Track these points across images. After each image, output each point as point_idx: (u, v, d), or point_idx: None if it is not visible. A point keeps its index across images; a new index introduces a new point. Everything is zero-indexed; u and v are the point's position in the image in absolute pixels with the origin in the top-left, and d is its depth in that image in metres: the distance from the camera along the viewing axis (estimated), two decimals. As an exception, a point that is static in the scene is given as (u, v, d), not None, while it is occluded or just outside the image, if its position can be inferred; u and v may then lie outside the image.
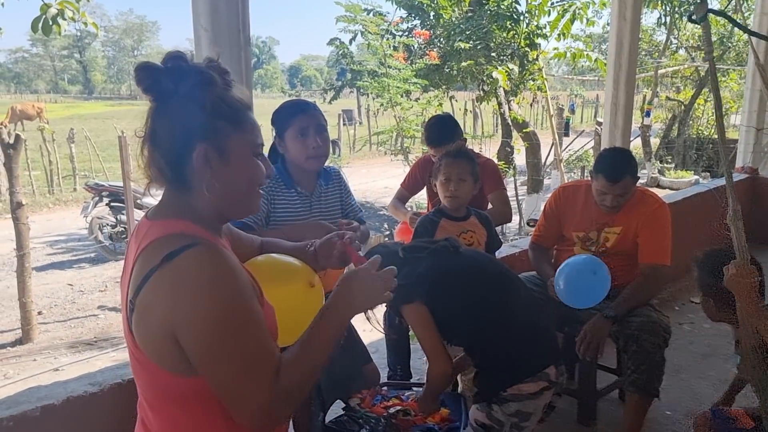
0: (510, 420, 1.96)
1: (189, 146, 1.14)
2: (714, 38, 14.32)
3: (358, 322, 2.22)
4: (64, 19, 4.65)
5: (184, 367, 1.12)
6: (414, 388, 2.50)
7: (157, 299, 1.10)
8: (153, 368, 1.15)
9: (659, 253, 2.90)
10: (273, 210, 2.29)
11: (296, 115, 2.28)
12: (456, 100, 9.60)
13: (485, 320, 1.99)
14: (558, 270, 2.77)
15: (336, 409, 2.40)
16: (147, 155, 1.19)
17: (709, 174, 12.94)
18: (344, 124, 18.63)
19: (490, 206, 3.34)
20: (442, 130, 3.20)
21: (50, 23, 4.54)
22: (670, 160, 14.32)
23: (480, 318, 2.00)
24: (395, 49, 6.77)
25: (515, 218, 7.74)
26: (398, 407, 2.27)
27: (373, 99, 7.58)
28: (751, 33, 3.44)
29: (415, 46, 7.69)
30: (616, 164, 2.82)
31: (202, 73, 1.16)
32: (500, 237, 3.12)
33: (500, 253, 3.67)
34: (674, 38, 14.94)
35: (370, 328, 2.10)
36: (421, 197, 3.84)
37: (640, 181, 12.27)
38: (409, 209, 3.30)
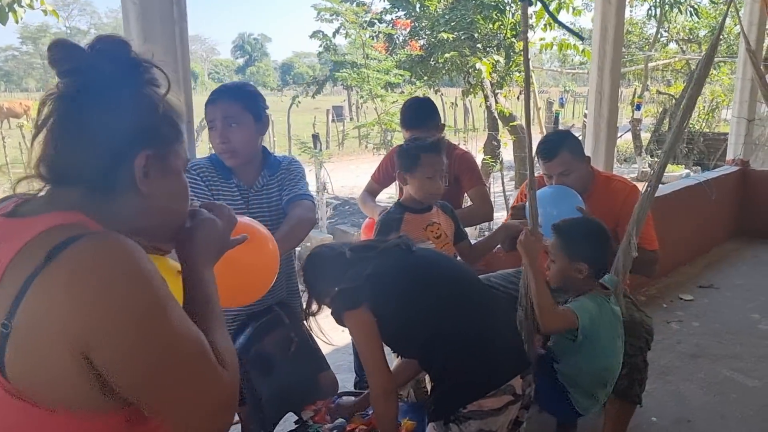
0: None
1: (131, 150, 0.98)
2: (704, 31, 14.20)
3: (327, 328, 2.05)
4: (21, 6, 4.46)
5: (94, 399, 0.89)
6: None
7: (48, 312, 0.85)
8: (36, 413, 0.88)
9: (646, 241, 2.73)
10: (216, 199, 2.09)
11: (207, 105, 2.09)
12: (443, 95, 9.37)
13: (441, 328, 1.78)
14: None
15: (289, 423, 2.21)
16: (50, 147, 0.97)
17: (699, 168, 12.78)
18: (333, 121, 18.42)
19: (469, 203, 3.14)
20: (419, 112, 2.99)
21: (6, 10, 4.35)
22: (660, 154, 14.14)
23: (435, 325, 1.78)
24: (374, 39, 6.56)
25: (504, 214, 7.55)
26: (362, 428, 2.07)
27: (357, 93, 7.38)
28: (563, 25, 3.32)
29: (398, 36, 7.47)
30: (548, 142, 2.73)
31: (153, 69, 1.03)
32: (483, 231, 2.92)
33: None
34: (664, 31, 14.79)
35: (340, 328, 1.92)
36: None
37: (631, 175, 12.17)
38: (379, 205, 3.08)
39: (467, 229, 7.37)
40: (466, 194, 3.13)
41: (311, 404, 2.22)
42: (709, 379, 3.41)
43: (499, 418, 1.73)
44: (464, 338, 1.77)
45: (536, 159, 2.77)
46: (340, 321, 1.87)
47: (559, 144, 2.67)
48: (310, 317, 2.02)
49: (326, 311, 1.97)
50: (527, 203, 2.30)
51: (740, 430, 2.95)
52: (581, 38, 4.79)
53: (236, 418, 2.50)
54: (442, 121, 3.15)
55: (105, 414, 0.91)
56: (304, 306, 2.01)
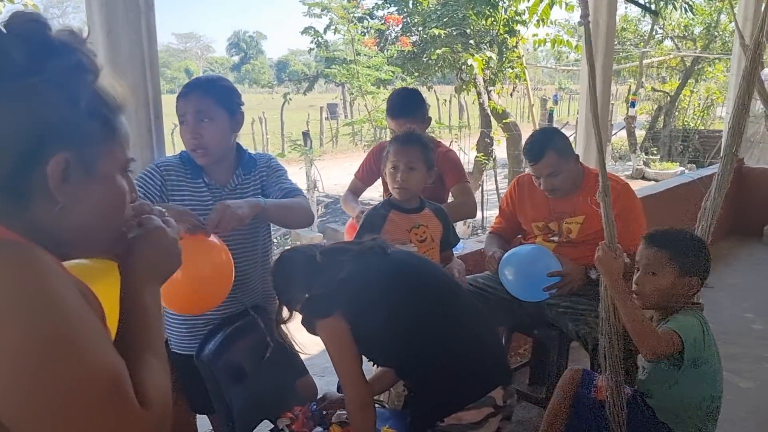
0: None
1: (44, 151, 0.82)
2: (700, 28, 14.15)
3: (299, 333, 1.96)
4: (1, 1, 4.39)
5: None
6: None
7: None
8: None
9: (635, 241, 2.65)
10: (182, 203, 1.98)
11: (179, 99, 1.97)
12: (435, 92, 9.30)
13: (417, 336, 1.69)
14: (507, 257, 2.55)
15: (264, 431, 2.13)
16: None
17: (695, 165, 12.74)
18: (327, 119, 18.32)
19: (451, 200, 3.06)
20: (406, 102, 2.90)
21: (-16, 5, 4.27)
22: (655, 152, 14.12)
23: (411, 333, 1.69)
24: (364, 35, 6.47)
25: (496, 212, 7.49)
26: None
27: (348, 90, 7.30)
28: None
29: (390, 33, 7.39)
30: (534, 143, 2.65)
31: (76, 53, 0.86)
32: (476, 230, 2.84)
33: (465, 250, 3.40)
34: (659, 28, 14.73)
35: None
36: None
37: (626, 173, 12.12)
38: (359, 205, 2.99)
39: (459, 226, 7.28)
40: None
41: (288, 411, 2.14)
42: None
43: (479, 431, 1.64)
44: (442, 347, 1.68)
45: (524, 159, 2.72)
46: (311, 330, 1.78)
47: (545, 145, 2.59)
48: (282, 325, 1.93)
49: (298, 318, 1.88)
50: (602, 214, 1.97)
51: (734, 433, 2.88)
52: (655, 14, 4.54)
53: (210, 426, 2.43)
54: (430, 116, 3.07)
55: None
56: (275, 313, 1.92)
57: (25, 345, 0.73)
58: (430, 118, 3.03)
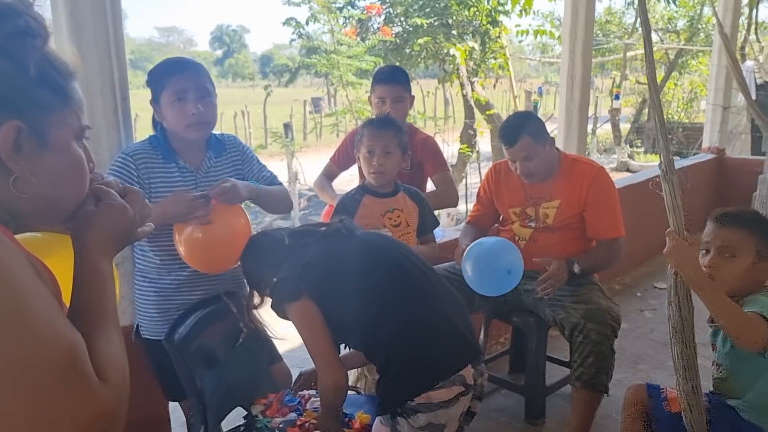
0: None
1: None
2: (683, 20, 14.22)
3: (270, 318, 1.92)
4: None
5: None
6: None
7: None
8: None
9: (612, 226, 2.69)
10: (151, 188, 1.96)
11: (172, 76, 1.94)
12: (419, 84, 9.26)
13: (384, 316, 1.66)
14: (468, 251, 2.49)
15: (237, 418, 2.09)
16: None
17: (678, 158, 12.82)
18: (311, 112, 18.24)
19: (431, 188, 3.03)
20: (398, 70, 2.94)
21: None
22: (639, 145, 14.20)
23: (377, 313, 1.67)
24: (345, 24, 6.41)
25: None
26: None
27: (330, 81, 7.23)
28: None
29: (371, 22, 7.33)
30: (509, 127, 2.64)
31: (23, 17, 0.82)
32: (459, 222, 2.81)
33: (445, 238, 3.38)
34: (644, 21, 14.75)
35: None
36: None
37: (610, 165, 12.16)
38: (339, 193, 2.96)
39: (443, 218, 7.23)
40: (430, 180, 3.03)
41: (262, 398, 2.11)
42: (681, 368, 3.34)
43: (449, 410, 1.62)
44: (410, 327, 1.65)
45: (500, 143, 2.70)
46: (281, 314, 1.75)
47: (520, 129, 2.59)
48: (254, 310, 1.90)
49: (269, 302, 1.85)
50: (665, 197, 1.72)
51: (711, 418, 2.88)
52: None
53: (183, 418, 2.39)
54: (413, 95, 3.05)
55: None
56: (246, 300, 1.89)
57: None
58: (413, 97, 3.02)
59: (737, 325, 1.64)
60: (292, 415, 2.04)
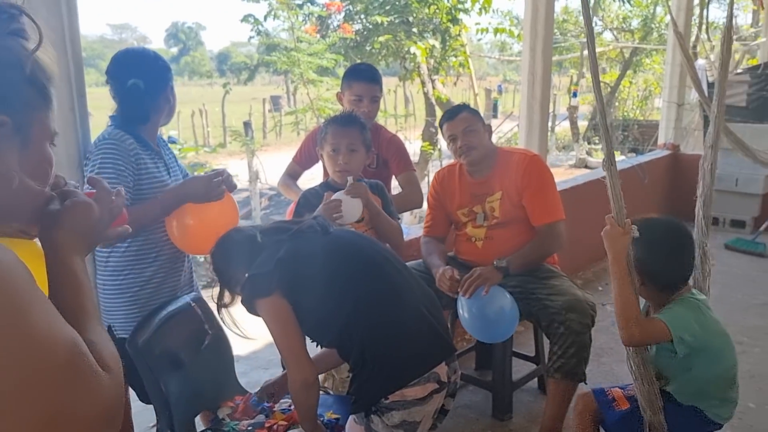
0: None
1: None
2: (637, 20, 14.56)
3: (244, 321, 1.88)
4: None
5: None
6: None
7: None
8: None
9: (550, 210, 2.71)
10: (140, 179, 1.95)
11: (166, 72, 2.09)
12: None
13: (357, 313, 1.64)
14: (470, 303, 2.48)
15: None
16: None
17: (634, 154, 13.12)
18: (270, 111, 18.03)
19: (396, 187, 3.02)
20: (373, 70, 2.92)
21: None
22: (597, 141, 14.48)
23: (351, 311, 1.65)
24: (305, 21, 6.35)
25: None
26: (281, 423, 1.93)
27: (290, 79, 7.15)
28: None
29: (331, 19, 7.27)
30: (450, 108, 2.83)
31: (19, 17, 0.85)
32: (420, 221, 2.80)
33: (410, 236, 3.37)
34: (599, 20, 15.07)
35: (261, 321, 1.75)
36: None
37: (569, 162, 12.33)
38: (303, 189, 2.91)
39: (406, 216, 7.23)
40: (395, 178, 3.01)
41: (229, 401, 2.07)
42: (643, 360, 3.41)
43: (424, 407, 1.61)
44: (384, 324, 1.64)
45: (441, 129, 2.79)
46: (252, 310, 1.72)
47: (461, 107, 2.79)
48: (224, 309, 1.86)
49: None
50: (608, 184, 1.84)
51: (673, 409, 2.95)
52: None
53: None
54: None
55: None
56: (216, 297, 1.85)
57: None
58: (380, 96, 3.00)
59: (622, 315, 1.80)
60: (260, 417, 2.00)
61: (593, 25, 14.73)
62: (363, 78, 2.78)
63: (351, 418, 1.72)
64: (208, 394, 2.03)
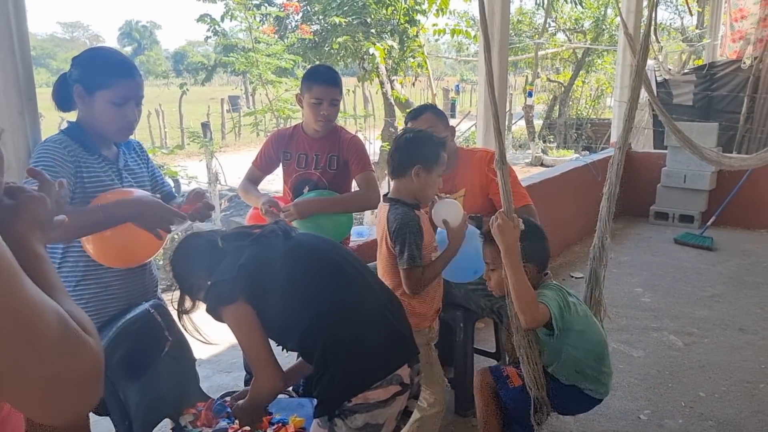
0: None
1: None
2: (589, 21, 14.89)
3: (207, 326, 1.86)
4: None
5: None
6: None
7: None
8: None
9: (519, 198, 2.74)
10: (83, 177, 1.88)
11: (120, 78, 1.90)
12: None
13: (322, 317, 1.65)
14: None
15: (166, 429, 2.03)
16: None
17: (588, 152, 13.42)
18: (228, 111, 17.80)
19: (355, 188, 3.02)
20: (334, 73, 2.86)
21: None
22: (552, 140, 14.77)
23: (317, 314, 1.65)
24: (263, 22, 6.30)
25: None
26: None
27: (249, 80, 7.09)
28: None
29: (289, 20, 7.24)
30: (415, 108, 2.91)
31: None
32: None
33: (372, 237, 3.39)
34: (552, 21, 15.37)
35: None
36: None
37: (525, 160, 12.50)
38: (264, 194, 2.88)
39: (366, 216, 7.22)
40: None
41: (191, 408, 2.05)
42: (598, 353, 3.51)
43: (386, 410, 1.63)
44: (347, 326, 1.65)
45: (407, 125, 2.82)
46: (217, 317, 1.70)
47: (425, 108, 2.85)
48: (185, 315, 1.84)
49: (203, 307, 1.80)
50: (499, 181, 2.05)
51: (627, 399, 3.05)
52: None
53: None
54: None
55: None
56: (176, 304, 1.83)
57: None
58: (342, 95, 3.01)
59: (523, 301, 1.99)
60: (223, 424, 1.99)
61: (547, 27, 15.04)
62: (322, 81, 2.77)
63: (315, 421, 1.72)
64: (169, 402, 2.00)
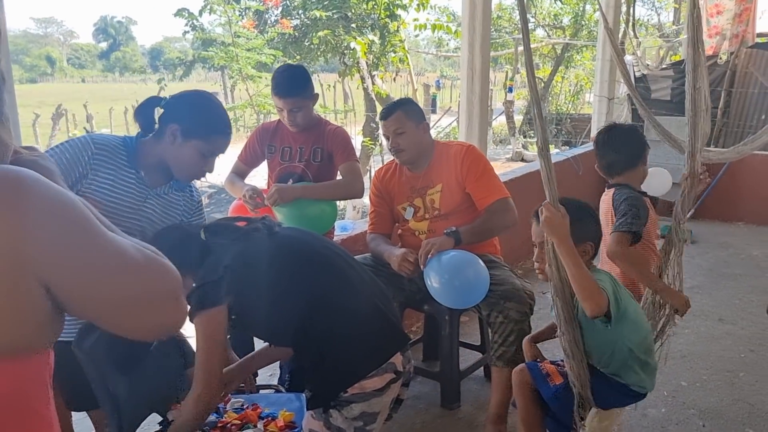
0: (353, 425, 1.63)
1: None
2: (568, 17, 15.00)
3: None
4: None
5: (39, 333, 0.82)
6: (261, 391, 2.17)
7: None
8: None
9: (495, 190, 2.78)
10: (96, 179, 1.84)
11: (219, 135, 1.93)
12: (319, 78, 9.21)
13: (315, 311, 1.64)
14: (437, 267, 2.54)
15: (153, 425, 2.00)
16: None
17: (567, 147, 13.53)
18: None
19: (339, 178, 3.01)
20: (292, 79, 2.77)
21: None
22: (532, 135, 14.85)
23: (310, 309, 1.64)
24: (242, 16, 6.25)
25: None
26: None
27: (228, 75, 7.03)
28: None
29: (269, 14, 7.19)
30: (388, 105, 2.84)
31: None
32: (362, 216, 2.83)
33: (355, 231, 3.39)
34: (531, 17, 15.45)
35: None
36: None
37: (506, 156, 12.55)
38: (248, 184, 2.86)
39: (348, 211, 7.21)
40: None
41: (179, 403, 2.03)
42: (582, 344, 3.53)
43: (382, 398, 1.63)
44: (339, 320, 1.64)
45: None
46: (191, 319, 1.66)
47: (396, 106, 2.80)
48: None
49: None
50: (541, 170, 1.89)
51: (611, 390, 3.07)
52: None
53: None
54: (317, 93, 2.96)
55: (37, 353, 0.84)
56: None
57: (77, 228, 0.83)
58: (317, 95, 2.94)
59: (586, 290, 1.86)
60: (211, 418, 1.97)
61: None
62: (279, 93, 2.74)
63: (308, 413, 1.71)
64: (157, 396, 1.98)
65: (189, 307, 1.68)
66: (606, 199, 2.47)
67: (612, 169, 2.47)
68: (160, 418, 1.97)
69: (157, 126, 1.92)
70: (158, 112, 1.92)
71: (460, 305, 2.65)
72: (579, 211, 2.01)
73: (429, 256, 2.53)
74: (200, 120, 1.91)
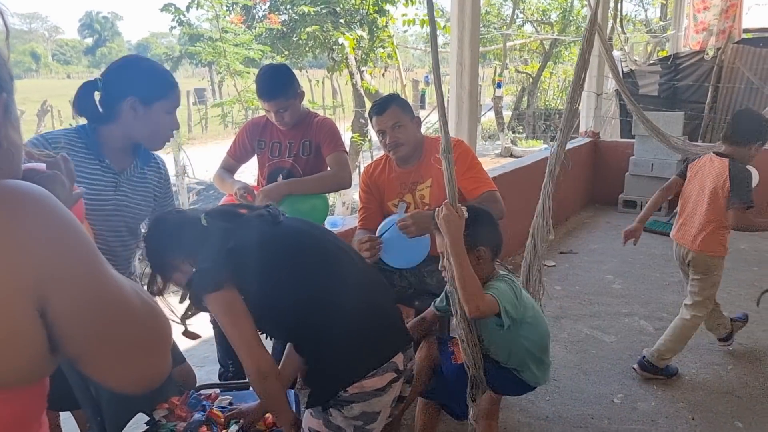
0: (352, 424, 1.60)
1: None
2: (556, 13, 15.03)
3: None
4: None
5: (37, 364, 0.80)
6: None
7: None
8: None
9: (483, 182, 2.76)
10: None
11: (174, 88, 1.92)
12: (307, 74, 9.16)
13: (316, 306, 1.60)
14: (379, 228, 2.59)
15: (140, 424, 1.98)
16: None
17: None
18: (194, 104, 17.52)
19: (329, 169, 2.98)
20: (274, 81, 2.73)
21: None
22: (521, 131, 14.90)
23: (310, 303, 1.60)
24: (230, 11, 6.20)
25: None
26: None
27: (216, 70, 6.97)
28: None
29: (256, 9, 7.13)
30: (379, 101, 2.80)
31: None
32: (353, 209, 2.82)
33: (345, 227, 3.37)
34: (520, 12, 15.47)
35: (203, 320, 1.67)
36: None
37: (495, 151, 12.54)
38: (238, 180, 2.83)
39: (338, 207, 7.17)
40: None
41: (164, 403, 2.00)
42: (572, 339, 3.54)
43: (383, 397, 1.60)
44: (340, 317, 1.60)
45: (370, 120, 2.78)
46: (199, 304, 1.62)
47: (390, 100, 2.75)
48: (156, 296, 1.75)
49: (172, 289, 1.73)
50: (444, 170, 1.98)
51: (601, 383, 3.08)
52: None
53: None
54: (302, 90, 2.93)
55: (32, 386, 0.83)
56: (146, 284, 1.71)
57: (81, 257, 0.81)
58: (303, 92, 2.90)
59: (468, 290, 1.96)
60: (197, 416, 1.95)
61: (515, 18, 15.13)
62: (262, 96, 2.73)
63: (307, 412, 1.67)
64: (142, 396, 1.94)
65: (191, 292, 1.63)
66: (720, 165, 2.94)
67: (744, 136, 2.91)
68: (147, 418, 1.95)
69: (102, 110, 1.87)
70: (97, 96, 1.86)
71: (405, 263, 2.67)
72: (478, 217, 2.09)
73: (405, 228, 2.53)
74: (153, 82, 1.88)
